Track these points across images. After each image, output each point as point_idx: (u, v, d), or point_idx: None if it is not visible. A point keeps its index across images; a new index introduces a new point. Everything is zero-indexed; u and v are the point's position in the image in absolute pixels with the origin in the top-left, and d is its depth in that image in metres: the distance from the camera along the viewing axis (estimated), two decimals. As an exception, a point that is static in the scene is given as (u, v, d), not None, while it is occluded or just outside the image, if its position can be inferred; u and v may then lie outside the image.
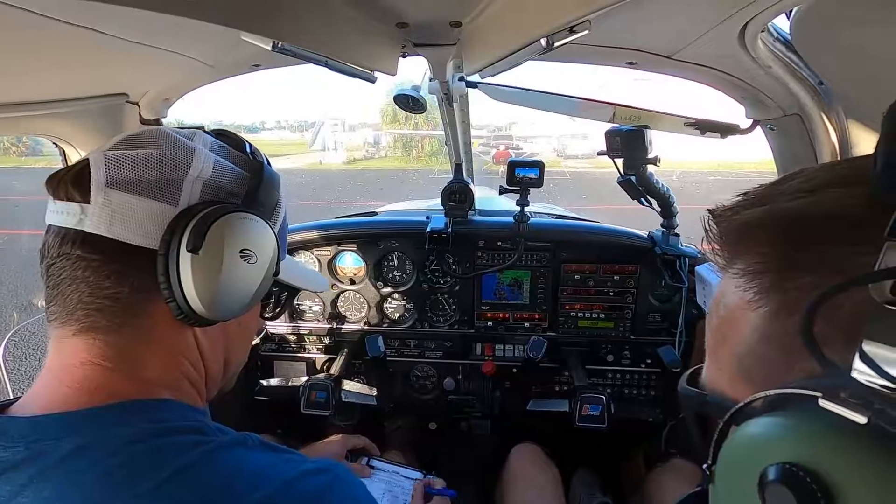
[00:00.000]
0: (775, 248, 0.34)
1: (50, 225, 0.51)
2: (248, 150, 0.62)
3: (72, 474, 0.43)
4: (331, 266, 1.69)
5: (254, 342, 1.27)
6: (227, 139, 0.62)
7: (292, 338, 1.75)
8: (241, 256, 0.53)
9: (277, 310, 0.77)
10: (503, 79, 1.23)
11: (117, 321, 0.50)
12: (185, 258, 0.49)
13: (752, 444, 0.29)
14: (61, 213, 0.50)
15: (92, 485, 0.43)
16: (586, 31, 0.69)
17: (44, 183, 0.52)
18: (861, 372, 0.26)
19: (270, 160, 0.65)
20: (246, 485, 0.46)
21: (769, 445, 0.28)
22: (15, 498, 0.43)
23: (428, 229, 1.55)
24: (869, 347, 0.25)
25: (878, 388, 0.25)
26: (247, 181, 0.58)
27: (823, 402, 0.26)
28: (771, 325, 0.33)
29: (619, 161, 1.44)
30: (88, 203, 0.49)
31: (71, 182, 0.50)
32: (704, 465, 0.35)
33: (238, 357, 0.67)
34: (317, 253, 1.67)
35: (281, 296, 0.76)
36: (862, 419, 0.24)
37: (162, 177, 0.51)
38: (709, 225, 0.39)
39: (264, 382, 1.77)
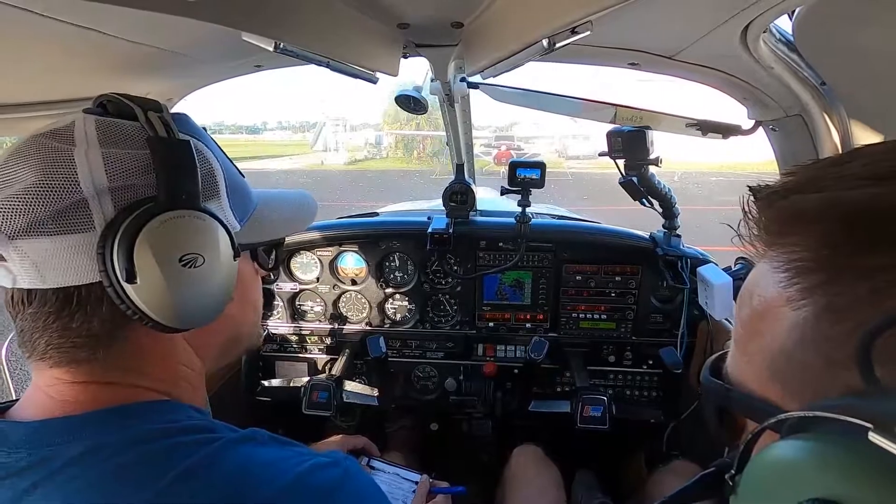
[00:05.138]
0: (828, 244, 0.29)
1: None
2: (142, 117, 0.49)
3: (80, 478, 0.42)
4: (332, 266, 1.69)
5: None
6: (115, 106, 0.50)
7: (294, 338, 1.76)
8: (184, 264, 0.47)
9: (273, 262, 0.68)
10: (505, 79, 1.23)
11: (100, 351, 0.48)
12: (129, 289, 0.45)
13: (789, 470, 0.26)
14: None
15: (101, 487, 0.42)
16: (588, 32, 0.69)
17: None
18: None
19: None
20: (257, 480, 0.45)
21: (808, 475, 0.25)
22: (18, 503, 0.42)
23: (429, 230, 1.55)
24: None
25: None
26: (151, 165, 0.47)
27: (874, 437, 0.23)
28: (812, 328, 0.30)
29: (621, 162, 1.44)
30: (5, 261, 0.44)
31: None
32: (727, 475, 0.32)
33: (249, 328, 0.65)
34: (318, 253, 1.67)
35: (270, 250, 0.68)
36: None
37: (57, 207, 0.44)
38: (748, 206, 0.34)
39: (266, 383, 1.77)
